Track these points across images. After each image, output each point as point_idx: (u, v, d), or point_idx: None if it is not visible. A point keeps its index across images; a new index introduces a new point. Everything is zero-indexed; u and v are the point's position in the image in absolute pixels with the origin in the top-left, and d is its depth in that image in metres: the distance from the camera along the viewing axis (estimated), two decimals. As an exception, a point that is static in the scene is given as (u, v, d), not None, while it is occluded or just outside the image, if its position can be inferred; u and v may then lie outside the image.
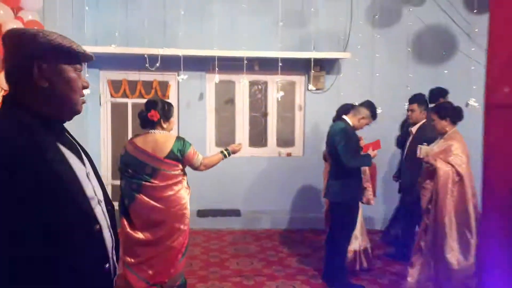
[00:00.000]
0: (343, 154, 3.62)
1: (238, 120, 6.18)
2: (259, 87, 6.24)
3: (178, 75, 5.54)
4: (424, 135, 4.12)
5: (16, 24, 4.55)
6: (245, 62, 5.48)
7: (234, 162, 6.02)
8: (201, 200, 5.96)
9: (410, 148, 4.34)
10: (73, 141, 1.53)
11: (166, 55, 5.42)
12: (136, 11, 5.65)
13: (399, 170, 4.82)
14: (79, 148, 1.52)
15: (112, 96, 6.06)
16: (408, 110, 4.50)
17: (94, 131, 5.98)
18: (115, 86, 6.05)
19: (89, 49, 4.86)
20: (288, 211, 6.06)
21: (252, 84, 6.14)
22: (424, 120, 4.39)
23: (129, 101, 6.03)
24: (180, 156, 3.29)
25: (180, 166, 3.33)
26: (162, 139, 3.28)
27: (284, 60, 5.57)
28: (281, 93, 5.59)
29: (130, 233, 3.19)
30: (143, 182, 3.18)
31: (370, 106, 3.87)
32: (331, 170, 3.94)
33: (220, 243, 5.14)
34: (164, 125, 3.40)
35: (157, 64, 5.34)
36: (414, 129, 4.45)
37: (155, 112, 3.33)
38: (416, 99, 4.44)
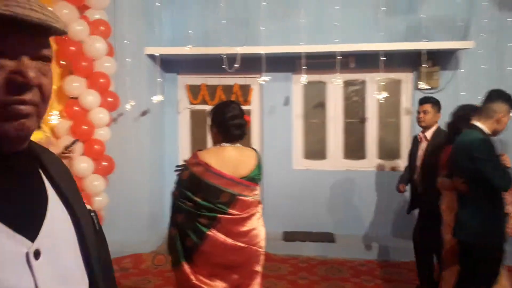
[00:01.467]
0: (495, 177, 2.59)
1: (330, 127, 5.29)
2: (356, 87, 5.31)
3: (260, 77, 4.83)
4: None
5: (81, 24, 4.17)
6: (339, 58, 4.60)
7: (326, 177, 5.15)
8: (287, 221, 5.17)
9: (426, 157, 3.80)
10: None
11: (246, 54, 4.74)
12: (213, 7, 5.05)
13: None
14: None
15: (191, 102, 5.56)
16: (419, 112, 3.88)
17: (172, 140, 5.50)
18: (194, 92, 5.54)
19: (164, 51, 4.35)
20: (392, 238, 5.03)
21: (347, 84, 5.22)
22: (437, 124, 3.86)
23: (209, 108, 5.45)
24: (260, 176, 2.53)
25: (258, 190, 2.53)
26: (244, 155, 2.47)
27: (388, 54, 4.59)
28: (384, 94, 4.62)
29: (198, 285, 2.34)
30: (218, 215, 2.35)
31: (504, 96, 2.80)
32: (462, 200, 2.87)
33: (310, 276, 4.26)
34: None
35: (236, 65, 4.68)
36: (428, 135, 3.86)
37: (248, 118, 2.58)
38: (429, 99, 3.89)
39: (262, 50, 4.70)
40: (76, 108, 4.11)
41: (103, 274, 0.87)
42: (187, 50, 4.76)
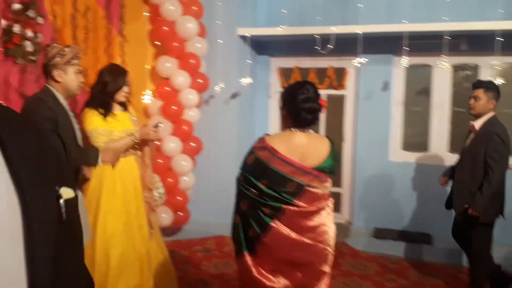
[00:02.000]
0: None
1: (435, 116, 4.77)
2: (467, 73, 4.71)
3: (359, 60, 4.47)
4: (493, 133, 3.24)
5: (174, 4, 4.20)
6: (447, 39, 4.09)
7: (427, 172, 4.66)
8: (379, 217, 4.80)
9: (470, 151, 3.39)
10: None
11: (342, 34, 4.42)
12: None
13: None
14: None
15: (282, 86, 5.39)
16: (470, 98, 3.44)
17: (262, 124, 5.40)
18: (286, 75, 5.36)
19: (256, 31, 4.21)
20: (502, 244, 4.41)
21: (456, 68, 4.65)
22: (492, 113, 3.38)
23: (300, 92, 5.24)
24: (334, 167, 2.29)
25: (329, 182, 2.29)
26: (315, 143, 2.25)
27: (506, 35, 3.99)
28: (500, 81, 4.03)
29: (259, 279, 2.18)
30: (283, 206, 2.15)
31: None
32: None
33: (399, 279, 3.89)
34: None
35: (330, 46, 4.40)
36: (477, 125, 3.40)
37: (324, 102, 2.30)
38: (482, 83, 3.44)
39: (359, 29, 4.35)
40: (167, 89, 4.18)
41: (57, 278, 0.69)
42: (279, 30, 4.58)
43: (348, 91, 5.06)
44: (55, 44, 2.63)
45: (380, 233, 4.68)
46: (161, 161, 4.08)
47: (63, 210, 0.73)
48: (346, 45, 4.48)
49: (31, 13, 3.21)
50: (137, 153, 3.18)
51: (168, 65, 4.15)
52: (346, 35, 4.42)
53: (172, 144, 4.10)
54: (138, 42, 4.31)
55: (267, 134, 2.28)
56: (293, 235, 2.15)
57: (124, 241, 2.95)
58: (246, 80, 4.50)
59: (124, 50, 4.26)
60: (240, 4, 4.81)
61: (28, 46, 3.19)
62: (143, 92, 4.30)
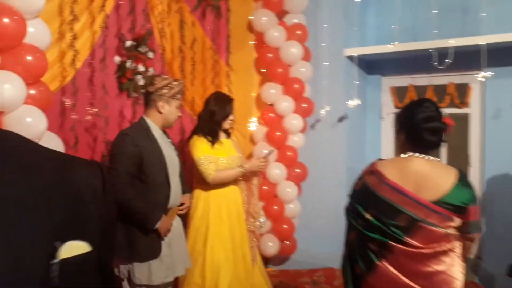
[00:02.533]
0: None
1: None
2: None
3: (479, 74, 3.98)
4: None
5: (278, 30, 4.19)
6: None
7: None
8: None
9: None
10: None
11: (462, 47, 3.99)
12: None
13: None
14: None
15: (396, 106, 5.04)
16: None
17: (373, 148, 5.09)
18: (400, 94, 5.00)
19: (364, 51, 4.02)
20: None
21: None
22: None
23: (416, 112, 4.84)
24: (463, 205, 1.90)
25: (456, 222, 1.91)
26: (437, 172, 1.91)
27: None
28: None
29: None
30: (390, 242, 1.87)
31: None
32: None
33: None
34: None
35: (448, 61, 3.99)
36: None
37: (450, 121, 1.97)
38: None
39: (482, 40, 3.88)
40: (272, 115, 4.16)
41: None
42: (390, 48, 4.30)
43: (473, 109, 4.52)
44: (165, 76, 2.75)
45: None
46: (266, 188, 4.04)
47: (54, 273, 0.59)
48: (468, 58, 4.02)
49: (142, 49, 3.45)
50: (240, 181, 3.20)
51: (272, 91, 4.13)
52: (466, 47, 3.98)
53: (276, 171, 4.04)
54: (244, 71, 4.39)
55: (380, 159, 2.07)
56: (403, 278, 1.86)
57: (232, 269, 2.95)
58: (354, 102, 4.28)
59: (230, 79, 4.37)
60: (347, 24, 4.64)
61: (140, 80, 3.42)
62: (249, 119, 4.35)
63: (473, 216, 1.91)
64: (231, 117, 3.23)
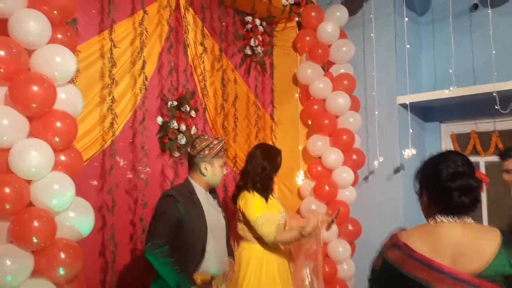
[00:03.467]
0: None
1: None
2: None
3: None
4: None
5: (324, 82, 4.06)
6: None
7: None
8: None
9: None
10: None
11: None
12: (479, 39, 4.18)
13: None
14: None
15: (453, 155, 4.66)
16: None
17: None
18: (461, 141, 4.63)
19: (418, 97, 3.75)
20: None
21: None
22: None
23: (481, 160, 4.43)
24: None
25: None
26: (475, 237, 1.52)
27: None
28: None
29: None
30: None
31: None
32: None
33: None
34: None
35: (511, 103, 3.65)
36: None
37: (484, 177, 1.60)
38: None
39: (549, 80, 3.53)
40: (319, 168, 3.96)
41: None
42: (446, 93, 4.02)
43: (546, 156, 4.06)
44: (204, 137, 2.68)
45: None
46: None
47: None
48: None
49: (184, 108, 3.45)
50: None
51: (319, 143, 3.96)
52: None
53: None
54: (289, 124, 4.28)
55: (403, 229, 1.69)
56: None
57: None
58: (409, 152, 3.99)
59: (275, 133, 4.28)
60: (399, 71, 4.42)
61: (182, 139, 3.39)
62: (296, 174, 4.18)
63: None
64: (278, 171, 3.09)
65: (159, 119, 3.32)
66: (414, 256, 1.52)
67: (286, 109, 4.32)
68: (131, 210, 3.05)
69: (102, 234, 2.84)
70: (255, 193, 2.85)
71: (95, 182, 2.86)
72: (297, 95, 4.27)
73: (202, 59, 3.61)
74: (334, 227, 3.70)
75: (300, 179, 4.14)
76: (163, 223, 2.30)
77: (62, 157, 2.11)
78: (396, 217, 4.20)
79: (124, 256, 2.95)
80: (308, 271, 3.13)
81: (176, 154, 3.39)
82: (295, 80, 4.27)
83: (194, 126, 3.53)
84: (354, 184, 4.01)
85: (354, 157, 3.97)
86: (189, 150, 2.59)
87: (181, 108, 3.42)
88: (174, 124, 3.33)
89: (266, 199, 2.88)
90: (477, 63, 4.20)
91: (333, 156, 3.87)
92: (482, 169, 4.39)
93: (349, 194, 3.94)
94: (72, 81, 2.38)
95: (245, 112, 4.03)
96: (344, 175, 3.88)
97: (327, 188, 3.84)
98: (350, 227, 3.92)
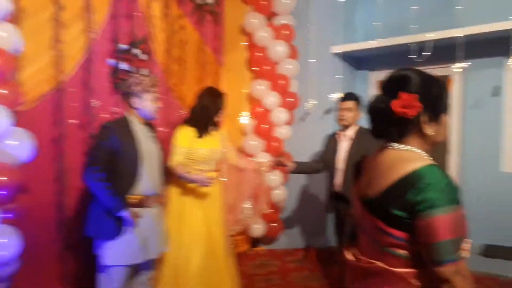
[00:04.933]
0: None
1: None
2: None
3: (459, 65, 3.60)
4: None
5: (266, 32, 3.96)
6: None
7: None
8: (490, 233, 3.79)
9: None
10: None
11: (442, 40, 3.64)
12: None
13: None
14: None
15: (382, 99, 4.71)
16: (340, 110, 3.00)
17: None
18: (386, 88, 4.67)
19: (351, 47, 3.64)
20: None
21: None
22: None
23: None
24: (407, 214, 1.10)
25: (405, 239, 1.15)
26: (391, 161, 1.20)
27: None
28: None
29: None
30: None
31: None
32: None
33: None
34: (426, 131, 1.19)
35: (426, 54, 3.65)
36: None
37: (408, 97, 1.15)
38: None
39: (459, 32, 3.52)
40: (260, 109, 3.95)
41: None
42: (373, 44, 3.99)
43: (453, 100, 4.16)
44: (133, 73, 2.59)
45: (491, 251, 3.68)
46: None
47: None
48: (449, 51, 3.67)
49: (134, 52, 3.31)
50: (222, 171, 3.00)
51: (260, 87, 3.92)
52: (446, 41, 3.63)
53: (263, 160, 3.84)
54: (237, 70, 4.19)
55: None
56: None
57: (203, 251, 2.79)
58: (336, 95, 4.00)
59: (224, 78, 4.20)
60: (334, 23, 4.34)
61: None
62: (240, 114, 4.16)
63: (442, 233, 1.04)
64: (222, 111, 3.02)
65: (111, 61, 3.18)
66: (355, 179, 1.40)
67: (235, 56, 4.22)
68: (84, 142, 2.98)
69: (57, 162, 2.79)
70: (188, 128, 2.81)
71: (49, 117, 2.77)
72: (244, 43, 4.16)
73: (151, 6, 3.43)
74: (268, 159, 3.76)
75: (244, 119, 4.13)
76: (99, 151, 2.26)
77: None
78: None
79: (77, 181, 2.91)
80: (248, 208, 3.15)
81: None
82: (243, 30, 4.14)
83: (146, 69, 3.42)
84: (289, 123, 4.04)
85: (290, 99, 3.96)
86: (122, 87, 2.50)
87: (131, 52, 3.28)
88: (124, 66, 3.22)
89: (201, 135, 2.83)
90: (402, 17, 4.13)
91: (271, 99, 3.85)
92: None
93: (284, 132, 3.97)
94: (13, 21, 2.23)
95: (195, 57, 3.90)
96: (279, 115, 3.89)
97: (264, 126, 3.85)
98: (285, 159, 3.98)
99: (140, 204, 2.40)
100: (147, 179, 2.41)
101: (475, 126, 3.93)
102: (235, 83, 4.17)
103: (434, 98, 1.18)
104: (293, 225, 4.34)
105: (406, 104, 1.14)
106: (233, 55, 4.20)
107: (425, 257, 1.09)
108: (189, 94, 3.81)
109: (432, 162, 1.13)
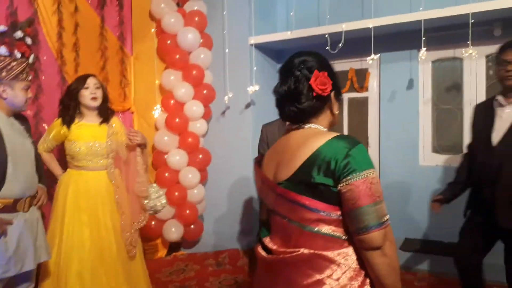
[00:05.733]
0: None
1: (468, 114, 3.75)
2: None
3: (371, 57, 3.61)
4: None
5: (175, 17, 3.68)
6: (472, 25, 3.13)
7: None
8: (408, 226, 3.86)
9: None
10: None
11: (358, 32, 3.62)
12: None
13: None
14: None
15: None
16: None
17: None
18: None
19: (267, 38, 3.36)
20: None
21: (490, 59, 3.62)
22: None
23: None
24: (331, 182, 1.07)
25: (330, 213, 1.10)
26: (300, 142, 1.15)
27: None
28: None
29: None
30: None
31: None
32: None
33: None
34: (334, 110, 1.22)
35: (339, 45, 3.61)
36: None
37: (321, 74, 1.15)
38: None
39: (370, 23, 3.51)
40: (172, 101, 3.68)
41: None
42: (287, 35, 3.88)
43: (371, 93, 4.19)
44: (1, 58, 2.22)
45: (410, 244, 3.74)
46: (167, 174, 3.57)
47: None
48: (366, 44, 3.66)
49: (18, 35, 2.89)
50: (110, 166, 2.65)
51: (171, 78, 3.65)
52: (362, 33, 3.61)
53: (177, 157, 3.57)
54: (147, 59, 3.86)
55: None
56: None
57: (87, 256, 2.47)
58: (252, 88, 3.84)
59: (135, 68, 3.87)
60: (253, 13, 4.18)
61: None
62: (153, 107, 3.86)
63: (363, 197, 1.03)
64: (88, 92, 2.58)
65: (-15, 45, 2.74)
66: (256, 168, 1.34)
67: (144, 44, 3.89)
68: None
69: None
70: (59, 121, 2.60)
71: None
72: (153, 30, 3.85)
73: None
74: (184, 156, 3.49)
75: (156, 112, 3.83)
76: None
77: None
78: (246, 147, 4.12)
79: None
80: (160, 192, 2.86)
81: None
82: (152, 15, 3.83)
83: (33, 54, 3.00)
84: (206, 117, 3.81)
85: (205, 91, 3.73)
86: None
87: (14, 35, 2.86)
88: (3, 51, 2.78)
89: (66, 124, 2.56)
90: (320, 8, 4.09)
91: (183, 90, 3.59)
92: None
93: (200, 126, 3.73)
94: None
95: (95, 44, 3.52)
96: (194, 108, 3.64)
97: (178, 120, 3.59)
98: (200, 156, 3.75)
99: (9, 209, 2.04)
100: (17, 180, 2.05)
101: (392, 119, 3.97)
102: (146, 73, 3.85)
103: (335, 76, 1.21)
104: (217, 226, 4.11)
105: (322, 80, 1.14)
106: (142, 43, 3.87)
107: (351, 227, 1.08)
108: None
109: (339, 134, 1.14)
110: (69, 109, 2.56)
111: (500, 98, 2.27)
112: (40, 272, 2.44)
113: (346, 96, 4.23)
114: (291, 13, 3.93)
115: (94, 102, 2.58)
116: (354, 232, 1.07)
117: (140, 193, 2.72)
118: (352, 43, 3.62)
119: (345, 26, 3.57)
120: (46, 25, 3.12)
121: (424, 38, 3.30)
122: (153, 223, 3.64)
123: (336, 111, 1.23)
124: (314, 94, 1.14)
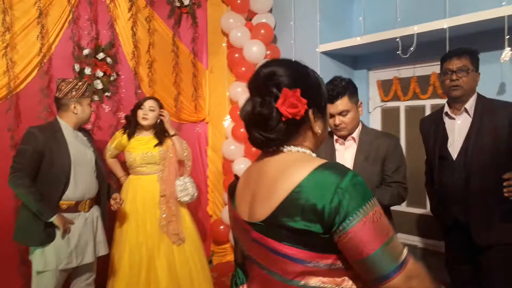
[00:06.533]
0: None
1: None
2: None
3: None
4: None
5: (242, 32, 3.87)
6: None
7: None
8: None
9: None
10: None
11: (427, 32, 3.36)
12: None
13: None
14: None
15: (382, 100, 4.43)
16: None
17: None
18: (385, 87, 4.38)
19: (337, 45, 3.54)
20: None
21: None
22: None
23: (401, 105, 4.21)
24: (319, 228, 0.87)
25: (324, 263, 0.90)
26: (281, 170, 0.96)
27: None
28: None
29: None
30: None
31: None
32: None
33: None
34: (315, 130, 1.02)
35: (411, 49, 3.37)
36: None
37: (291, 93, 0.94)
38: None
39: (445, 23, 3.22)
40: (238, 112, 3.86)
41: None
42: (356, 40, 3.77)
43: (455, 99, 3.79)
44: (69, 80, 2.62)
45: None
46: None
47: None
48: (440, 45, 3.36)
49: (100, 56, 3.38)
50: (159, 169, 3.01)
51: (238, 89, 3.84)
52: (436, 33, 3.34)
53: (242, 166, 3.71)
54: (219, 72, 4.14)
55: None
56: None
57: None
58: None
59: (210, 81, 4.19)
60: (322, 19, 4.14)
61: (98, 85, 3.35)
62: (224, 118, 4.11)
63: (370, 243, 0.85)
64: (143, 112, 2.99)
65: (76, 66, 3.26)
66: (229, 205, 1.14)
67: (217, 58, 4.17)
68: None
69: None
70: (121, 132, 3.07)
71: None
72: (224, 44, 4.10)
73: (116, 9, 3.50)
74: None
75: (226, 122, 4.06)
76: (22, 157, 2.30)
77: None
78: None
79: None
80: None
81: (96, 98, 3.36)
82: (223, 31, 4.09)
83: (114, 72, 3.47)
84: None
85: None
86: (56, 93, 2.53)
87: (96, 56, 3.35)
88: (89, 71, 3.28)
89: (129, 138, 3.01)
90: (393, 11, 3.88)
91: (249, 100, 3.75)
92: (402, 113, 4.19)
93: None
94: None
95: (171, 61, 3.88)
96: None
97: (243, 130, 3.75)
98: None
99: (72, 209, 2.42)
100: (79, 184, 2.42)
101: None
102: (219, 86, 4.13)
103: (314, 89, 1.01)
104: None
105: (292, 103, 0.92)
106: (216, 57, 4.16)
107: (365, 276, 0.88)
108: (167, 98, 3.82)
109: (324, 161, 0.93)
110: (130, 124, 2.96)
111: (448, 110, 2.22)
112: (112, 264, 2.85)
113: (428, 103, 3.92)
114: (360, 18, 3.80)
115: (144, 121, 2.97)
116: (371, 283, 0.88)
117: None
118: (432, 45, 3.35)
119: (417, 29, 3.33)
120: (126, 46, 3.56)
121: (507, 37, 2.91)
122: (221, 227, 3.86)
123: (318, 130, 1.00)
124: (284, 119, 0.94)
